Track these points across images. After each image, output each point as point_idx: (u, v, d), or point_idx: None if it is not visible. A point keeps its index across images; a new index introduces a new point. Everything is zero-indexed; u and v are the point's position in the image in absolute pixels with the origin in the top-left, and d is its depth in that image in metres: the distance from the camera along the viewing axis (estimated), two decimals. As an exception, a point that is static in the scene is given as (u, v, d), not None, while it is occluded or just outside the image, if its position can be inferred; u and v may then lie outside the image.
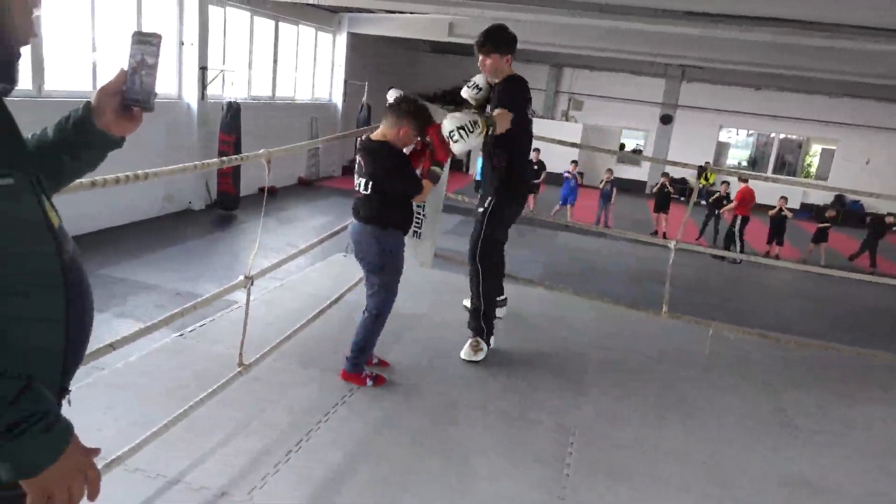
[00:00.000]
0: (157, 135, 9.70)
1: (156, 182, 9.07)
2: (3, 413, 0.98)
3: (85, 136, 1.28)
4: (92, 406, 2.78)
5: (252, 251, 2.91)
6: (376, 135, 3.17)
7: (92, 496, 1.13)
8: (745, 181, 12.66)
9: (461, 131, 3.18)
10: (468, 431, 3.03)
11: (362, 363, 3.31)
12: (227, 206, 11.32)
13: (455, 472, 2.71)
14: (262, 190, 12.62)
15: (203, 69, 10.80)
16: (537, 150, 14.04)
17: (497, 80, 3.69)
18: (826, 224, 13.40)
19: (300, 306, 4.09)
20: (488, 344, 3.83)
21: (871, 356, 4.59)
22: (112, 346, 2.19)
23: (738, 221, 12.49)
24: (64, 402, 1.22)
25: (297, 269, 5.63)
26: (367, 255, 3.22)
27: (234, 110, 10.99)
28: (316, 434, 2.84)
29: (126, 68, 1.25)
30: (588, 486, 2.73)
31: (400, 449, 2.83)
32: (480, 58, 3.65)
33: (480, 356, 3.75)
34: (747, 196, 12.52)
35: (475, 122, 3.18)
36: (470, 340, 3.80)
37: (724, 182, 13.73)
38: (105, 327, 5.91)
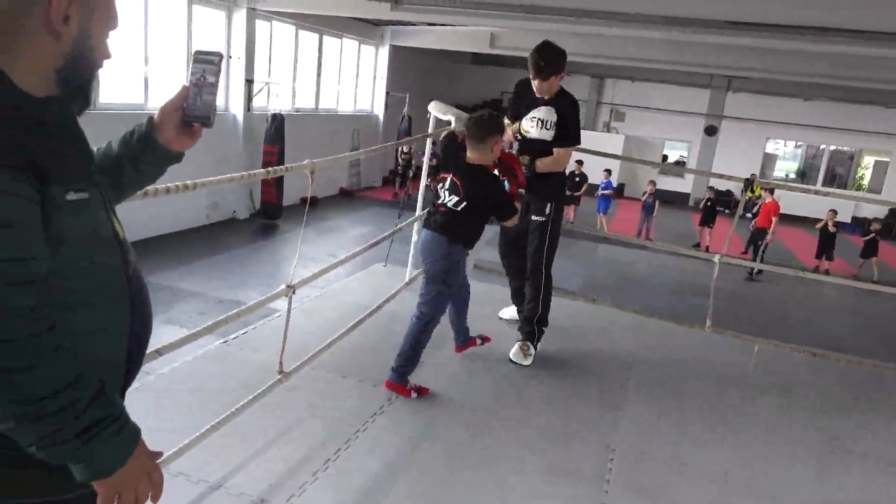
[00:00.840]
0: (203, 145, 9.89)
1: (202, 191, 9.31)
2: (78, 418, 1.02)
3: (148, 150, 1.33)
4: (138, 410, 2.84)
5: (293, 260, 2.96)
6: (471, 158, 3.27)
7: (155, 498, 1.18)
8: (772, 192, 12.31)
9: None
10: (507, 445, 3.01)
11: (409, 373, 3.33)
12: (270, 215, 11.54)
13: (493, 486, 2.69)
14: (304, 200, 12.83)
15: (249, 82, 11.07)
16: (580, 161, 13.99)
17: (548, 95, 3.74)
18: (870, 236, 12.92)
19: (340, 316, 4.13)
20: (535, 350, 3.89)
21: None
22: (159, 353, 2.24)
23: (769, 236, 12.09)
24: None
25: (336, 278, 5.70)
26: (433, 263, 3.31)
27: (278, 122, 11.22)
28: (354, 443, 2.86)
29: (187, 85, 1.30)
30: (628, 505, 2.68)
31: (438, 461, 2.83)
32: (536, 82, 3.64)
33: (529, 360, 3.82)
34: (774, 209, 12.15)
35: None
36: (520, 343, 3.87)
37: (760, 197, 13.42)
38: (152, 333, 6.05)
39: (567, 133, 3.74)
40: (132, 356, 1.24)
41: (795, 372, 4.31)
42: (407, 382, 3.32)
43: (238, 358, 3.54)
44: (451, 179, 3.27)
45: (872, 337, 8.97)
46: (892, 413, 3.87)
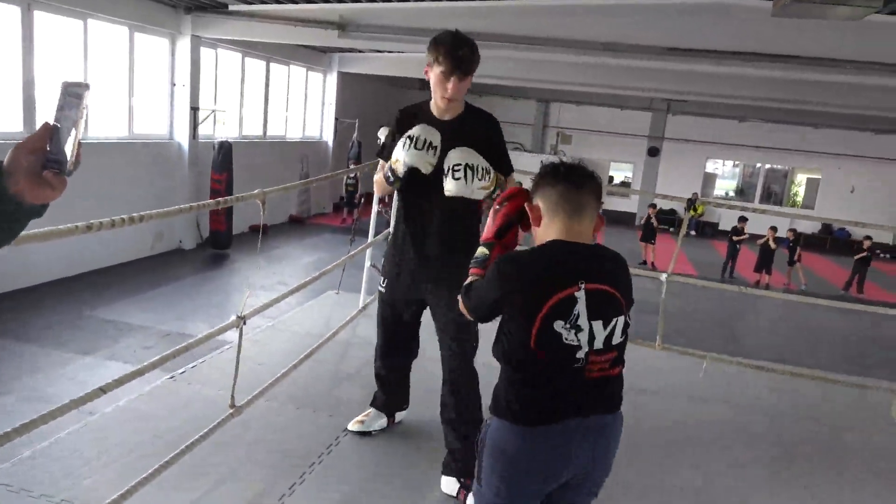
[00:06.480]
0: (148, 174, 9.74)
1: (147, 222, 9.07)
2: None
3: None
4: (83, 452, 2.74)
5: (244, 291, 2.90)
6: (580, 235, 1.84)
7: None
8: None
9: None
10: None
11: None
12: (219, 244, 11.31)
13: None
14: (252, 228, 12.63)
15: (194, 109, 10.89)
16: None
17: (452, 113, 2.67)
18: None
19: (292, 346, 4.06)
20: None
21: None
22: (102, 390, 2.16)
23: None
24: None
25: (288, 307, 5.60)
26: (608, 461, 1.84)
27: (225, 150, 11.05)
28: (310, 477, 2.79)
29: (51, 122, 1.01)
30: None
31: (395, 496, 2.79)
32: (454, 80, 2.52)
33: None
34: None
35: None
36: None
37: (741, 218, 13.82)
38: (95, 371, 5.83)
39: (506, 158, 2.75)
40: None
41: (743, 384, 4.44)
42: None
43: (186, 393, 3.43)
44: (600, 290, 1.73)
45: (814, 346, 9.34)
46: (836, 422, 4.01)
